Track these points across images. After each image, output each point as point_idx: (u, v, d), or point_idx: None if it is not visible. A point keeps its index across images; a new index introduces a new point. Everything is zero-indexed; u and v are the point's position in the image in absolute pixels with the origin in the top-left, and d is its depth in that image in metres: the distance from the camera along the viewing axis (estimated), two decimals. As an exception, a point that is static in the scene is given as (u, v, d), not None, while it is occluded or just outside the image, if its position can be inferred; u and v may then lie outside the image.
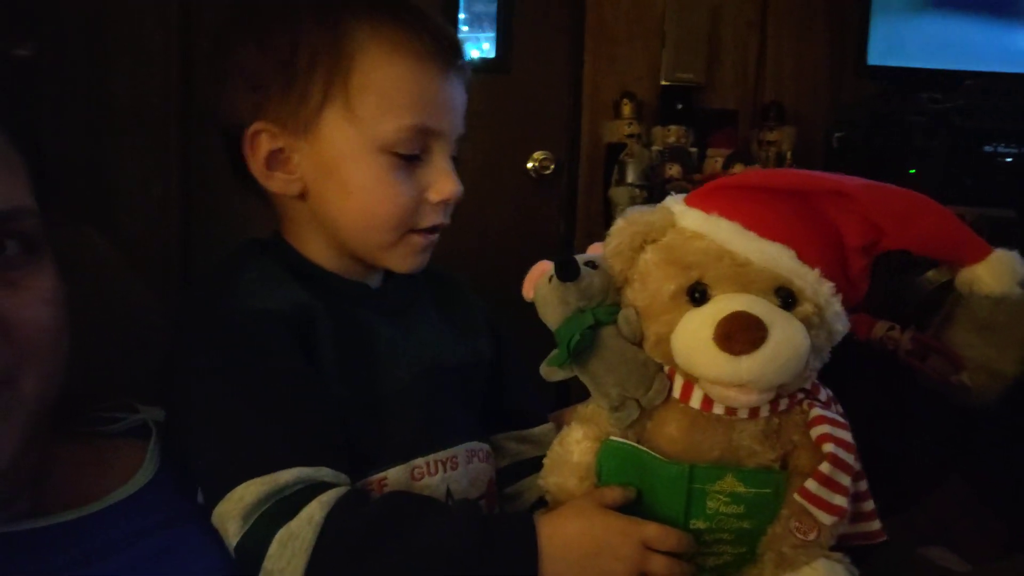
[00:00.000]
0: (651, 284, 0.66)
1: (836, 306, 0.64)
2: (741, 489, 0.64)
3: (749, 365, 0.60)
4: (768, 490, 0.65)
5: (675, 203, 0.69)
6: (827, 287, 0.63)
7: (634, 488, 0.66)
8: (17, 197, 0.58)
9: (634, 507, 0.66)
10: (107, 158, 1.76)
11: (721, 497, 0.64)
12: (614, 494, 0.65)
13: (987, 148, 1.61)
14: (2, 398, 0.57)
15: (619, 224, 0.69)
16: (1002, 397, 1.26)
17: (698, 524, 0.65)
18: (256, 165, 0.73)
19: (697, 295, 0.64)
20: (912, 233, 0.64)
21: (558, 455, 0.69)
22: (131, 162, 1.77)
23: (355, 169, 0.71)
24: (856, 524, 0.67)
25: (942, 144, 1.60)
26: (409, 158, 0.72)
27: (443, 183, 0.73)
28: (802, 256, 0.63)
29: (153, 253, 1.76)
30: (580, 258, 0.69)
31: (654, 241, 0.67)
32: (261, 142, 0.72)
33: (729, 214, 0.65)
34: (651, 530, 0.63)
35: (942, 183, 1.59)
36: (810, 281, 0.63)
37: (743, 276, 0.63)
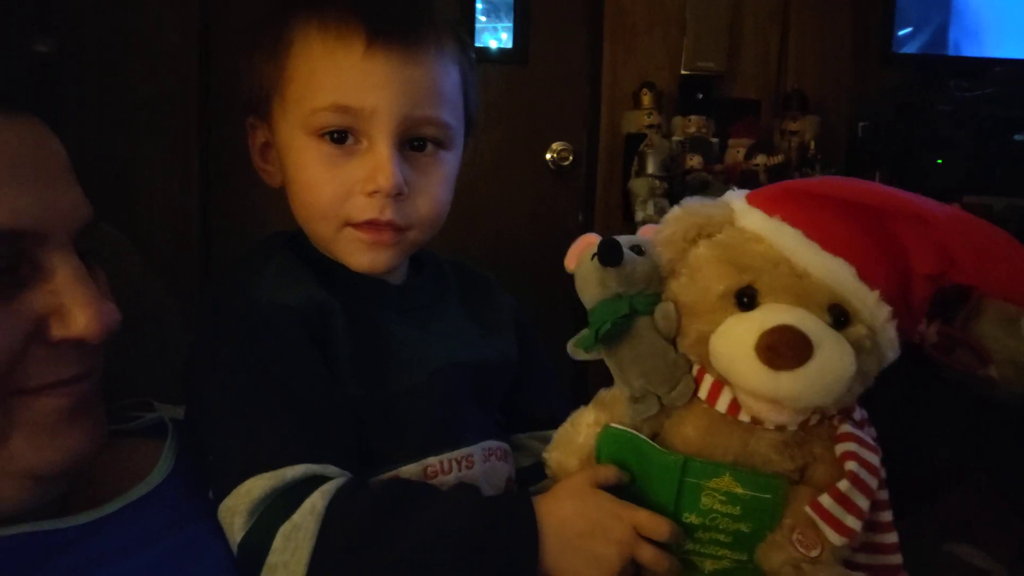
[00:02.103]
0: (700, 280, 0.63)
1: (891, 332, 0.61)
2: (739, 490, 0.63)
3: (789, 383, 0.57)
4: (767, 496, 0.63)
5: (736, 199, 0.66)
6: (885, 311, 0.60)
7: (628, 473, 0.65)
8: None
9: (627, 494, 0.65)
10: (127, 154, 1.78)
11: (716, 495, 0.63)
12: (608, 472, 0.65)
13: (1017, 136, 1.57)
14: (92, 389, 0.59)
15: (676, 212, 0.67)
16: (1030, 392, 1.24)
17: (691, 518, 0.64)
18: (253, 156, 0.77)
19: (746, 300, 0.61)
20: (986, 273, 0.60)
21: (566, 432, 0.69)
22: (151, 158, 1.79)
23: (290, 157, 0.71)
24: (876, 556, 0.65)
25: (969, 133, 1.57)
26: (340, 142, 0.69)
27: (373, 173, 0.68)
28: (864, 275, 0.60)
29: (172, 248, 1.78)
30: (626, 240, 0.67)
31: (710, 236, 0.65)
32: (256, 135, 0.76)
33: (793, 220, 0.62)
34: (643, 516, 0.63)
35: (970, 172, 1.57)
36: (868, 303, 0.60)
37: (798, 288, 0.60)
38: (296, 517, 0.60)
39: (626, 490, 0.65)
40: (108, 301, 0.59)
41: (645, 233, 0.71)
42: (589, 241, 0.69)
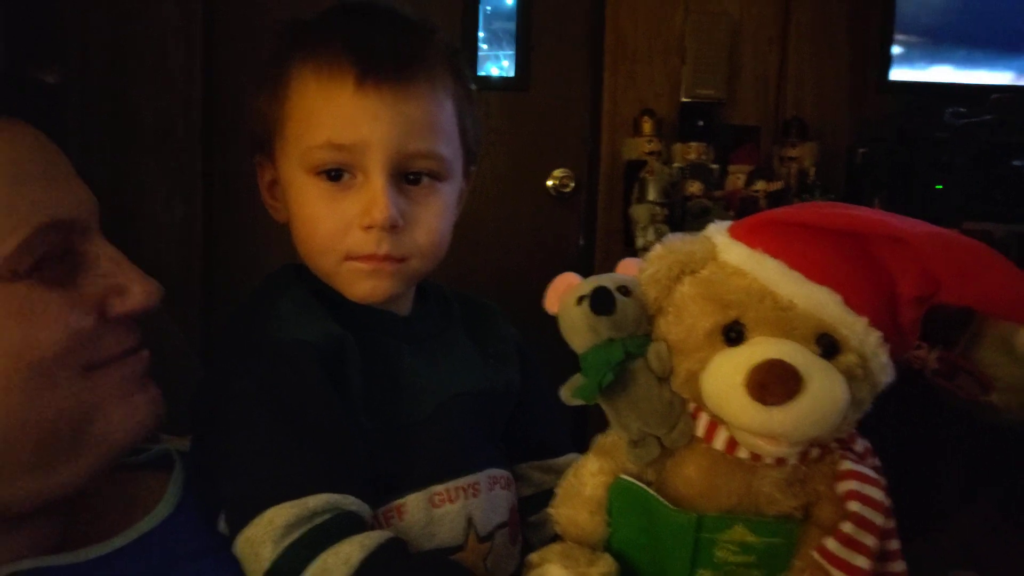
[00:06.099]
0: (686, 319, 0.62)
1: (883, 357, 0.60)
2: (751, 539, 0.61)
3: (781, 418, 0.57)
4: (779, 540, 0.62)
5: (718, 233, 0.66)
6: (875, 337, 0.59)
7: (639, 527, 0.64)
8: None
9: (641, 551, 0.64)
10: (130, 179, 1.79)
11: (730, 547, 0.61)
12: None
13: (1016, 163, 1.58)
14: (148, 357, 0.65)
15: (658, 251, 0.66)
16: (1032, 418, 1.23)
17: (705, 574, 0.62)
18: (262, 193, 0.79)
19: (733, 335, 0.60)
20: (972, 290, 0.58)
21: (571, 486, 0.67)
22: (154, 183, 1.80)
23: (291, 194, 0.73)
24: (881, 564, 0.63)
25: (968, 159, 1.58)
26: (336, 179, 0.70)
27: (368, 207, 0.70)
28: (850, 302, 0.59)
29: (175, 272, 1.78)
30: (611, 280, 0.65)
31: (693, 272, 0.64)
32: (264, 173, 0.78)
33: (775, 251, 0.61)
34: None
35: (969, 199, 1.57)
36: (857, 330, 0.59)
37: (784, 321, 0.59)
38: (329, 560, 0.59)
39: (638, 546, 0.64)
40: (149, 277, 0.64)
41: (626, 269, 0.70)
42: (568, 281, 0.68)
